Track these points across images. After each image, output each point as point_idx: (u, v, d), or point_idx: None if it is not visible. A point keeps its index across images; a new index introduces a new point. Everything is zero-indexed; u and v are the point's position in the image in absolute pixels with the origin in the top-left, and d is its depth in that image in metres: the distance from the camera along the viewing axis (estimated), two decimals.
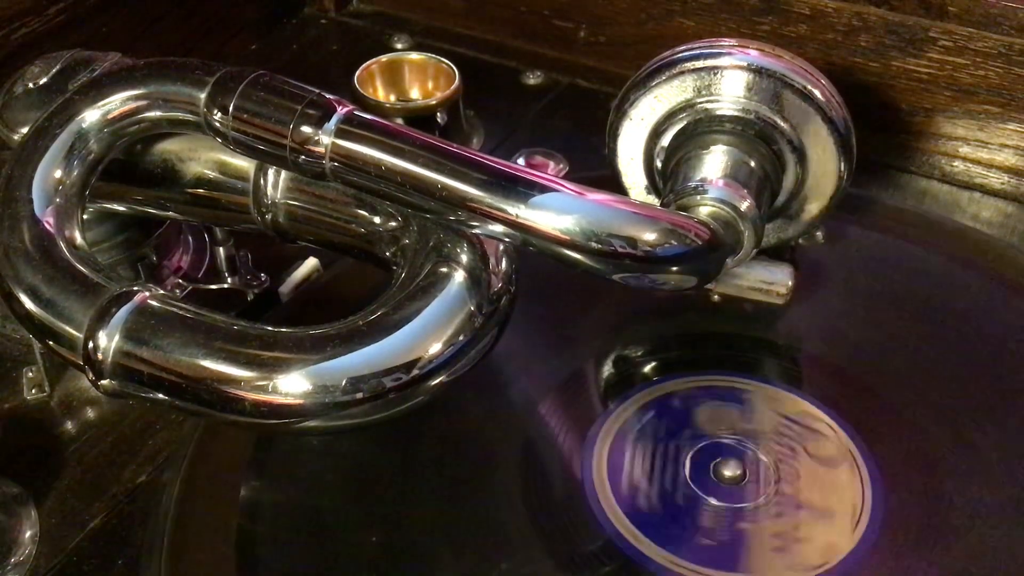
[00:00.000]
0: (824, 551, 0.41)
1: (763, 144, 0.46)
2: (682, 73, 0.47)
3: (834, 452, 0.44)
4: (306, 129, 0.39)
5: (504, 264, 0.40)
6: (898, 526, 0.41)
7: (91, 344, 0.37)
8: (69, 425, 0.48)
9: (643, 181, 0.50)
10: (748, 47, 0.47)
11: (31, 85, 0.48)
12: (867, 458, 0.44)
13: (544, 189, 0.38)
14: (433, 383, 0.37)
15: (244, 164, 0.45)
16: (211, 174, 0.45)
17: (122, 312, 0.37)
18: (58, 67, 0.48)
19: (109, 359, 0.37)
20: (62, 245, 0.40)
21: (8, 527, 0.43)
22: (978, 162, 0.61)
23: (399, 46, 0.73)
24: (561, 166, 0.57)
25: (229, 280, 0.53)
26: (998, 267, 0.53)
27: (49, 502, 0.45)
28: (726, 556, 0.41)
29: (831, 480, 0.43)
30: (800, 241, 0.52)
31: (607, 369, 0.49)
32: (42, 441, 0.47)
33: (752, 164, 0.46)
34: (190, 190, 0.46)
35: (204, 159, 0.45)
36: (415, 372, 0.37)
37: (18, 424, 0.48)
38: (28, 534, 0.43)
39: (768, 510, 0.42)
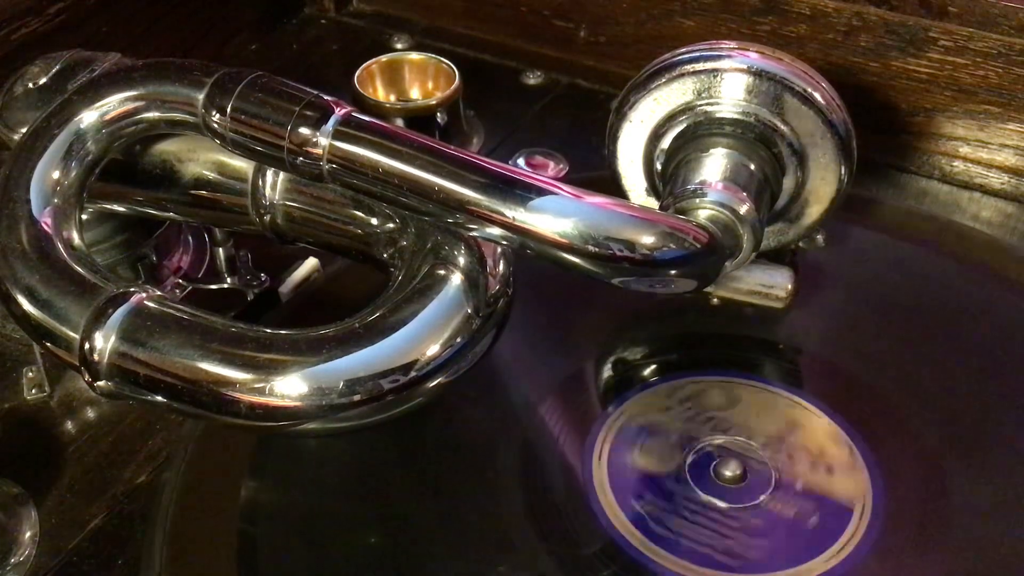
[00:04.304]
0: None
1: (763, 147, 0.46)
2: (682, 76, 0.47)
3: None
4: (304, 131, 0.39)
5: (501, 266, 0.40)
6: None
7: (87, 345, 0.37)
8: (69, 425, 0.48)
9: (643, 183, 0.50)
10: (748, 50, 0.47)
11: (31, 85, 0.48)
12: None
13: (542, 192, 0.38)
14: (430, 385, 0.37)
15: (242, 165, 0.45)
16: (209, 175, 0.45)
17: (118, 313, 0.37)
18: (58, 67, 0.48)
19: (105, 360, 0.37)
20: (59, 246, 0.40)
21: (8, 527, 0.43)
22: (978, 162, 0.61)
23: (399, 46, 0.73)
24: (561, 166, 0.57)
25: (229, 280, 0.53)
26: (998, 267, 0.53)
27: (49, 502, 0.45)
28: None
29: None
30: (801, 244, 0.52)
31: (607, 371, 0.49)
32: (42, 441, 0.47)
33: (752, 167, 0.46)
34: (189, 191, 0.46)
35: (202, 160, 0.45)
36: (412, 374, 0.37)
37: (18, 424, 0.48)
38: (28, 534, 0.43)
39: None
